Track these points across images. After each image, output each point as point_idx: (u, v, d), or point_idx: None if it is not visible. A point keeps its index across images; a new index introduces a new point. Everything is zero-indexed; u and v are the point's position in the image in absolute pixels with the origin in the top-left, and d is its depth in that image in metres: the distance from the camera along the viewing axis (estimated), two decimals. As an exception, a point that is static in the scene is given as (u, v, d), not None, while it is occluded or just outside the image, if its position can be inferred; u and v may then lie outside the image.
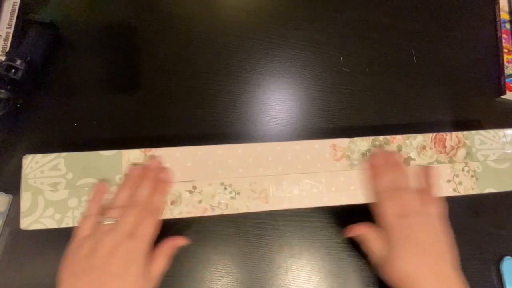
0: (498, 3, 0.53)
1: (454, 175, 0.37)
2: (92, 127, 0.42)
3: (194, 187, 0.34)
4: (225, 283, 0.38)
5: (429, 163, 0.37)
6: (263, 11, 0.50)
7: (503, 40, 0.50)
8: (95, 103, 0.43)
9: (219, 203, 0.33)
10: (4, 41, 0.44)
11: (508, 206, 0.44)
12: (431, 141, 0.37)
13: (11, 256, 0.37)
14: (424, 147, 0.37)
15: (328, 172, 0.35)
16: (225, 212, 0.33)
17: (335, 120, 0.45)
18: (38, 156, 0.33)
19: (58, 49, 0.44)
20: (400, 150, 0.37)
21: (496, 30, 0.52)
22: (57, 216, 0.31)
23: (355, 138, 0.37)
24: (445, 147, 0.37)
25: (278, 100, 0.45)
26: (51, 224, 0.31)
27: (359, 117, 0.45)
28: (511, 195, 0.44)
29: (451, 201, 0.43)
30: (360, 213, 0.41)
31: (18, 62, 0.39)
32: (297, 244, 0.40)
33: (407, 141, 0.37)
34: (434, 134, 0.38)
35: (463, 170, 0.37)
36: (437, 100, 0.47)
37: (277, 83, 0.46)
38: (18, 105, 0.41)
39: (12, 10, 0.45)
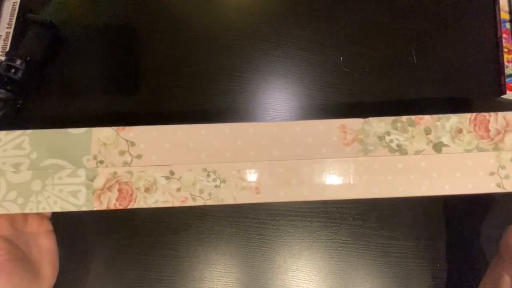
0: (498, 3, 0.53)
1: (499, 166, 0.29)
2: (92, 127, 0.42)
3: (172, 173, 0.29)
4: (225, 283, 0.38)
5: (467, 150, 0.30)
6: (263, 11, 0.49)
7: (503, 40, 0.50)
8: (95, 103, 0.43)
9: (201, 192, 0.29)
10: (4, 41, 0.44)
11: (508, 206, 0.44)
12: (469, 123, 0.30)
13: (11, 256, 0.37)
14: (460, 130, 0.30)
15: (334, 159, 0.30)
16: (208, 203, 0.29)
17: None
18: (2, 133, 0.29)
19: (58, 49, 0.44)
20: (429, 134, 0.30)
21: (496, 30, 0.52)
22: (20, 200, 0.29)
23: (371, 119, 0.31)
24: (488, 130, 0.30)
25: (278, 100, 0.45)
26: (13, 209, 0.28)
27: (359, 116, 0.45)
28: (511, 195, 0.44)
29: (451, 201, 0.43)
30: (360, 212, 0.42)
31: (18, 62, 0.39)
32: (297, 244, 0.40)
33: (437, 123, 0.30)
34: (474, 114, 0.30)
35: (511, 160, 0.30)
36: (437, 99, 0.47)
37: (277, 83, 0.46)
38: (18, 105, 0.41)
39: (12, 10, 0.45)
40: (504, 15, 0.52)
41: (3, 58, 0.40)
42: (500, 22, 0.52)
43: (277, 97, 0.46)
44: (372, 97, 0.47)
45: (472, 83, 0.49)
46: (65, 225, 0.38)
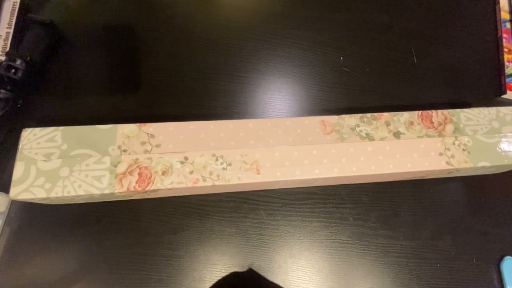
0: (498, 3, 0.53)
1: (445, 148, 0.37)
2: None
3: (186, 158, 0.34)
4: (225, 283, 0.38)
5: (419, 137, 0.37)
6: (263, 11, 0.50)
7: (504, 40, 0.50)
8: (95, 103, 0.43)
9: (211, 174, 0.34)
10: (4, 41, 0.44)
11: (508, 205, 0.44)
12: (418, 117, 0.38)
13: (11, 256, 0.37)
14: (412, 123, 0.38)
15: (319, 144, 0.36)
16: (217, 183, 0.33)
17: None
18: (37, 130, 0.33)
19: (58, 49, 0.44)
20: (389, 125, 0.38)
21: (496, 30, 0.52)
22: (47, 185, 0.32)
23: (344, 115, 0.37)
24: (432, 122, 0.38)
25: (278, 100, 0.45)
26: (40, 194, 0.31)
27: (359, 117, 0.46)
28: (511, 195, 0.44)
29: (452, 201, 0.43)
30: (360, 212, 0.42)
31: (18, 62, 0.39)
32: (297, 244, 0.40)
33: (394, 118, 0.38)
34: (420, 111, 0.39)
35: (453, 143, 0.38)
36: (437, 99, 0.47)
37: (277, 83, 0.46)
38: (18, 105, 0.41)
39: (12, 10, 0.45)
40: (504, 15, 0.52)
41: (3, 58, 0.40)
42: (500, 22, 0.52)
43: (277, 97, 0.46)
44: (372, 97, 0.47)
45: (472, 83, 0.49)
46: (65, 224, 0.38)
